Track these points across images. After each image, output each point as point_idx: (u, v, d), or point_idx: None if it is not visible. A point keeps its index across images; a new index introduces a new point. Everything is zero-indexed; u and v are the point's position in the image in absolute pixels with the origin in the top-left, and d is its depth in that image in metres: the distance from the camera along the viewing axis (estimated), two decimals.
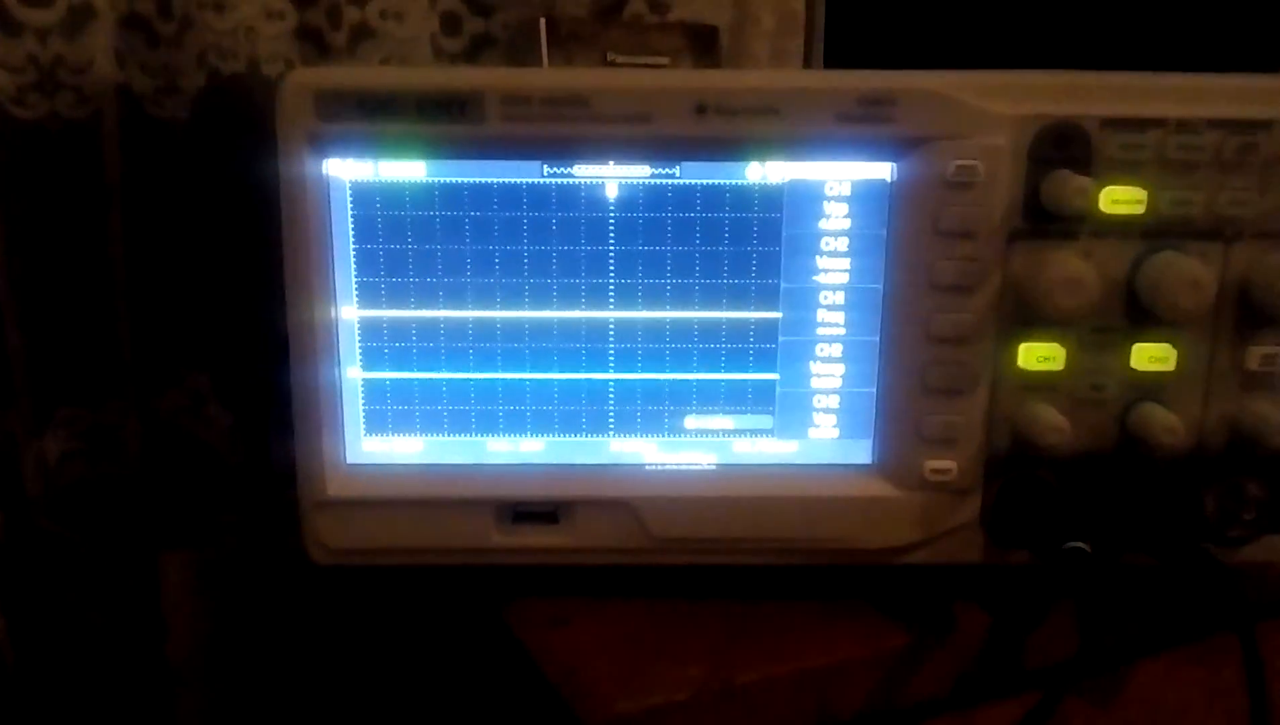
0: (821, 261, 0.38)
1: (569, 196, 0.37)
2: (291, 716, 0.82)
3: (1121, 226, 0.37)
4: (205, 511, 0.78)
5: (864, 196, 0.38)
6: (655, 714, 0.35)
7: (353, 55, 0.72)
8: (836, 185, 0.38)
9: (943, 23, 0.76)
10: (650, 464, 0.40)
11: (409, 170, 0.37)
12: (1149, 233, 0.37)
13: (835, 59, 0.77)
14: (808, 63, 0.76)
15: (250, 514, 0.77)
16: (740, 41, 0.80)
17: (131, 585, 0.77)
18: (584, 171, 0.37)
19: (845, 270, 0.39)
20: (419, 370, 0.39)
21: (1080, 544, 0.38)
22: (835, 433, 0.40)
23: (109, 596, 0.76)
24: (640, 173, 0.37)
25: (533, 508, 0.40)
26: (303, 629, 0.81)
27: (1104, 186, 0.36)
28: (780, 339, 0.39)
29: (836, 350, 0.39)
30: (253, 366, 0.75)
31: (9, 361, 0.70)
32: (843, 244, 0.38)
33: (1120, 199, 0.37)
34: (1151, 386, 0.38)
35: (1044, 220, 0.37)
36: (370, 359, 0.39)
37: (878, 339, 0.39)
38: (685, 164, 0.37)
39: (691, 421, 0.40)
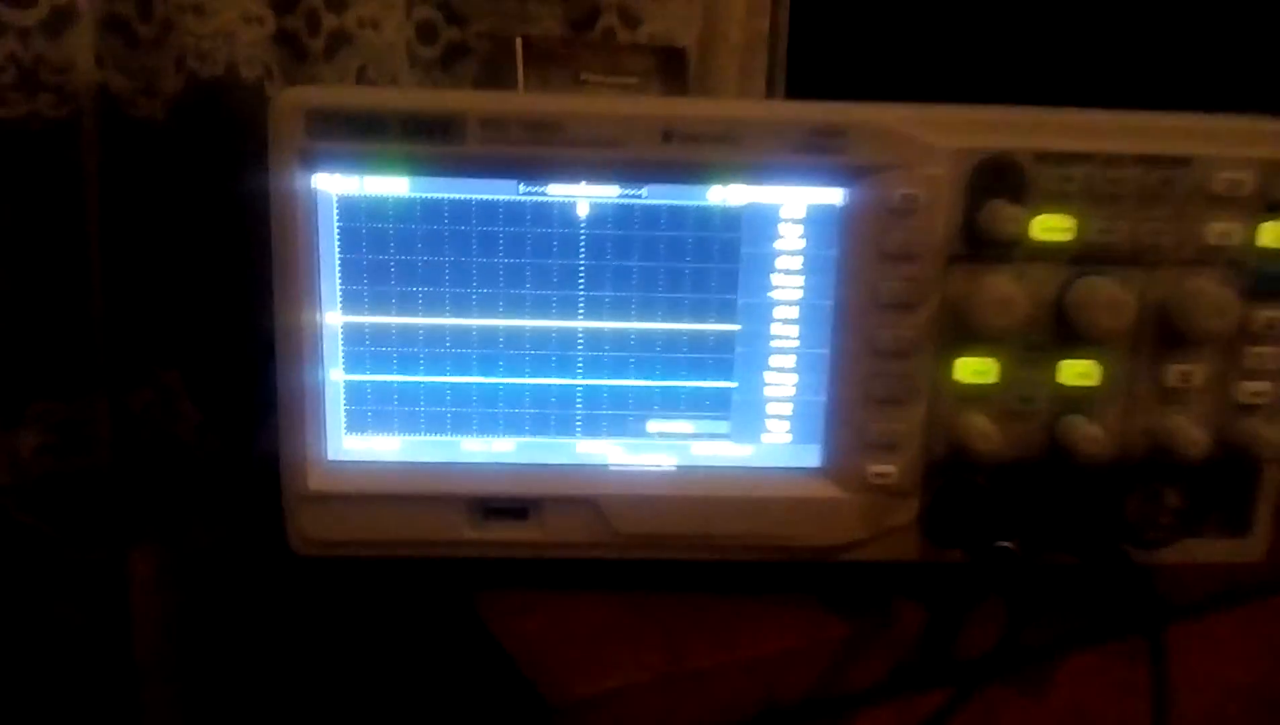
0: (776, 279, 0.41)
1: (543, 213, 0.40)
2: (260, 709, 0.83)
3: (1051, 252, 0.40)
4: (175, 507, 0.79)
5: (816, 220, 0.41)
6: (614, 696, 0.37)
7: (330, 62, 0.74)
8: (791, 209, 0.40)
9: (901, 46, 0.79)
10: (614, 465, 0.43)
11: (393, 186, 0.39)
12: (1076, 259, 0.40)
13: (798, 75, 0.80)
14: (771, 80, 0.78)
15: (225, 508, 0.79)
16: (709, 57, 0.83)
17: (100, 579, 0.78)
18: (557, 190, 0.40)
19: (799, 287, 0.41)
20: (398, 373, 0.41)
21: (1008, 544, 0.41)
22: (788, 438, 0.43)
23: (77, 589, 0.77)
24: (610, 192, 0.40)
25: (503, 504, 0.42)
26: (274, 620, 0.82)
27: (1036, 215, 0.39)
28: (737, 350, 0.42)
29: (789, 361, 0.42)
30: (225, 365, 0.77)
31: None
32: (796, 263, 0.41)
33: (1050, 227, 0.40)
34: (1077, 400, 0.41)
35: (980, 245, 0.40)
36: (352, 362, 0.41)
37: (828, 351, 0.42)
38: (652, 185, 0.40)
39: (653, 425, 0.43)
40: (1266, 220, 0.40)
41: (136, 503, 0.77)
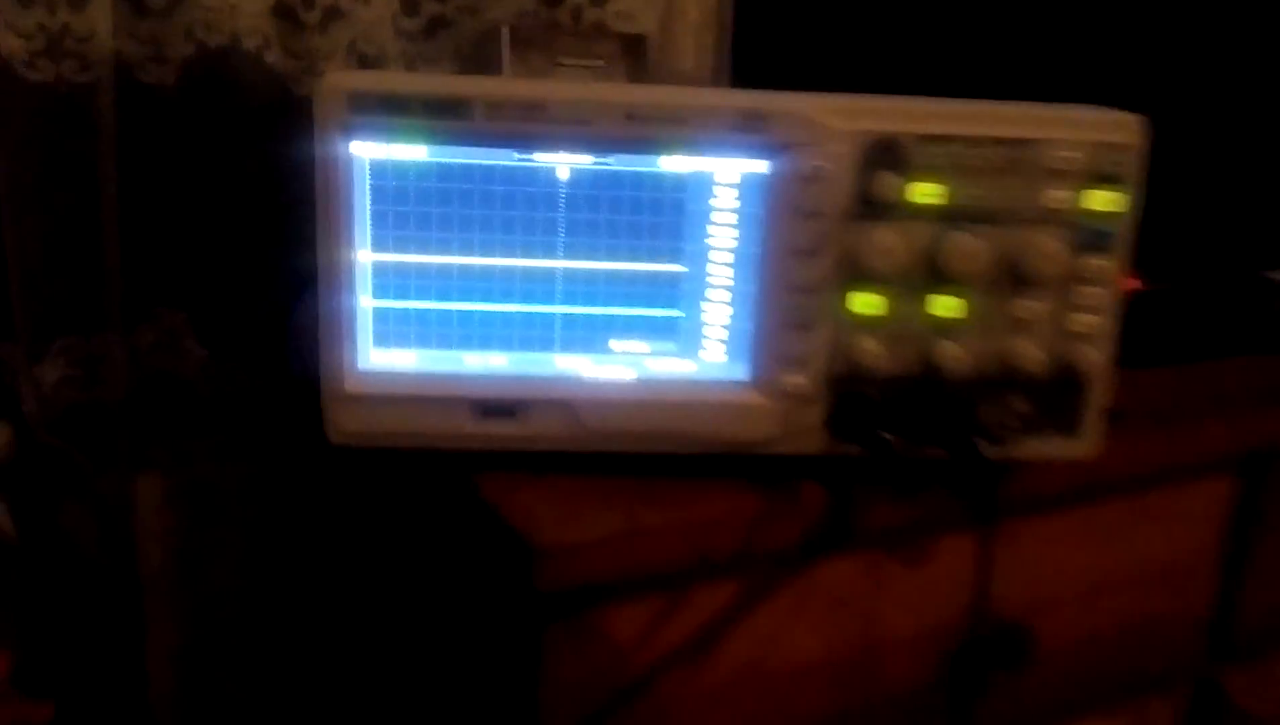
0: (713, 230, 0.52)
1: (532, 175, 0.50)
2: (256, 627, 0.93)
3: (926, 212, 0.51)
4: (180, 436, 0.88)
5: (746, 184, 0.51)
6: (584, 545, 0.49)
7: (324, 34, 0.82)
8: (726, 175, 0.51)
9: (838, 23, 0.90)
10: (585, 376, 0.53)
11: (414, 152, 0.49)
12: (945, 217, 0.51)
13: (743, 50, 0.90)
14: (719, 55, 0.89)
15: (225, 437, 0.87)
16: (669, 34, 0.93)
17: (111, 499, 0.87)
18: (542, 157, 0.50)
19: (732, 238, 0.52)
20: (415, 300, 0.52)
21: (890, 439, 0.53)
22: (722, 356, 0.54)
23: (92, 507, 0.87)
24: (584, 160, 0.50)
25: (496, 406, 0.52)
26: (281, 533, 0.92)
27: (913, 183, 0.51)
28: (682, 286, 0.53)
29: (724, 296, 0.53)
30: (227, 305, 0.85)
31: (12, 296, 0.79)
32: (730, 218, 0.52)
33: (925, 193, 0.50)
34: (945, 328, 0.52)
35: (871, 206, 0.50)
36: (379, 291, 0.51)
37: (754, 288, 0.52)
38: (616, 155, 0.50)
39: (616, 345, 0.53)
40: (1092, 189, 0.51)
41: (146, 432, 0.86)
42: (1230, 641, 0.77)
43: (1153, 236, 0.55)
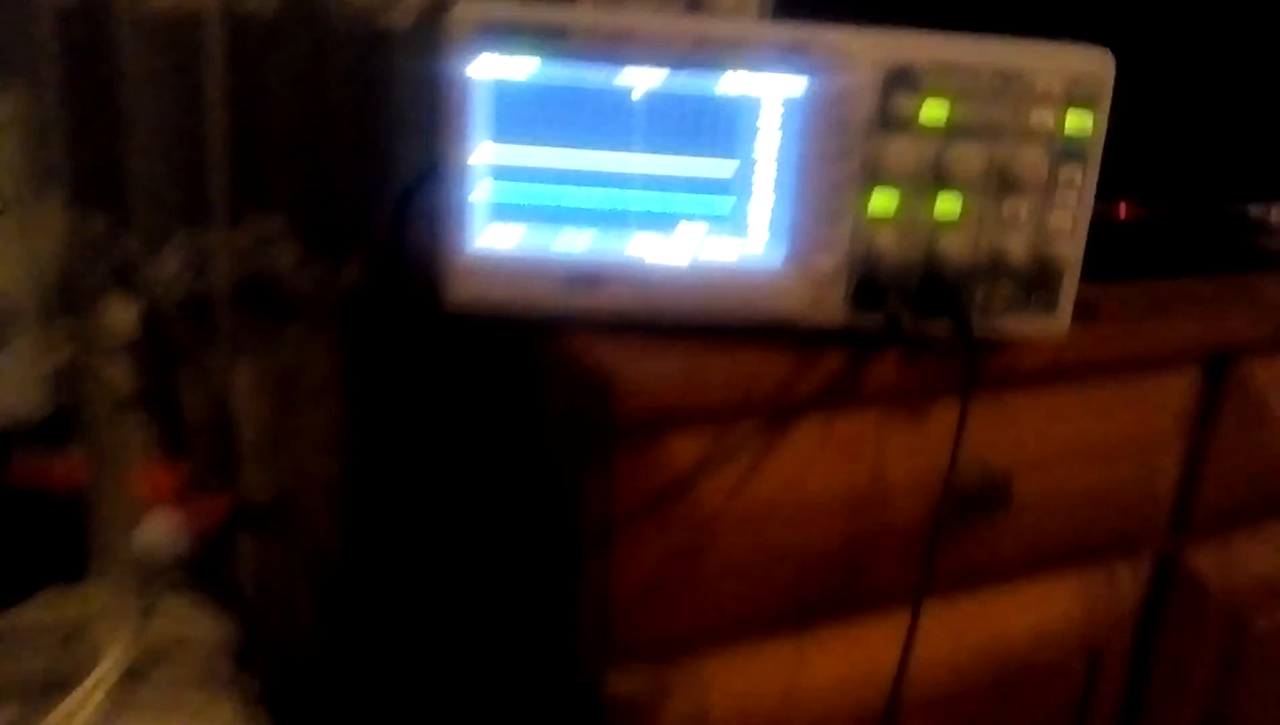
0: (761, 138, 0.64)
1: (617, 89, 0.63)
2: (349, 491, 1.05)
3: (933, 127, 0.63)
4: (274, 328, 1.01)
5: (789, 101, 0.63)
6: (649, 386, 0.61)
7: None
8: (773, 93, 0.63)
9: None
10: (654, 255, 0.66)
11: (524, 68, 0.62)
12: (948, 132, 0.63)
13: None
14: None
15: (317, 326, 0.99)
16: None
17: (210, 384, 1.00)
18: (627, 75, 0.63)
19: (776, 144, 0.64)
20: (519, 189, 0.64)
21: (898, 312, 0.65)
22: (765, 242, 0.66)
23: (197, 391, 1.00)
24: (660, 76, 0.63)
25: (582, 278, 0.66)
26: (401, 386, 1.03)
27: (924, 102, 0.63)
28: (734, 183, 0.65)
29: (768, 192, 0.65)
30: (323, 208, 0.97)
31: (135, 195, 0.92)
32: (775, 128, 0.63)
33: (934, 111, 0.63)
34: (946, 224, 0.65)
35: (888, 121, 0.62)
36: (490, 182, 0.64)
37: (793, 186, 0.65)
38: (686, 73, 0.62)
39: (680, 230, 0.66)
40: (1068, 111, 0.63)
41: (244, 322, 0.99)
42: (1189, 519, 0.90)
43: (1149, 166, 0.66)
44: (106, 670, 0.75)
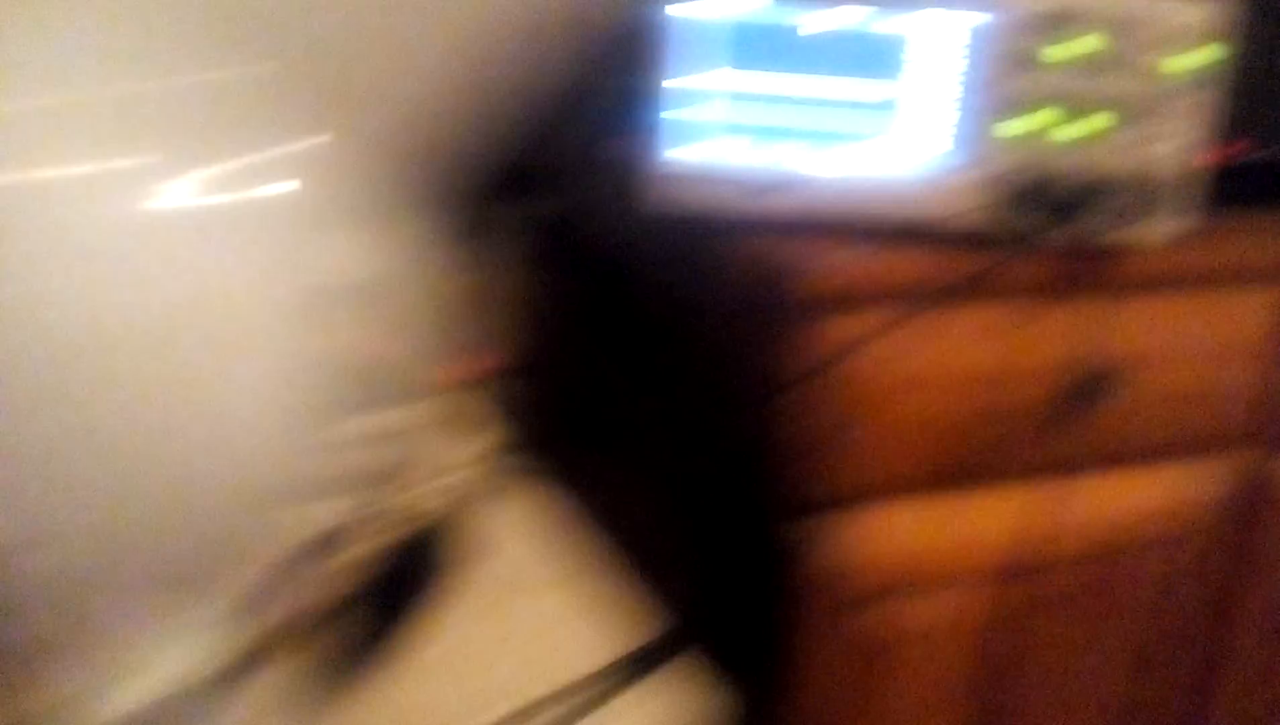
0: (932, 66, 0.75)
1: (808, 26, 0.75)
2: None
3: (1079, 61, 0.74)
4: None
5: (958, 33, 0.75)
6: (825, 273, 0.75)
7: None
8: (943, 27, 0.74)
9: None
10: (833, 166, 0.78)
11: (722, 10, 0.74)
12: (1092, 65, 0.74)
13: None
14: None
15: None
16: None
17: None
18: (815, 14, 0.75)
19: (945, 72, 0.76)
20: (712, 110, 0.77)
21: (1043, 218, 0.77)
22: (935, 156, 0.78)
23: None
24: (858, 16, 0.75)
25: (774, 185, 0.79)
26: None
27: (1073, 41, 0.74)
28: (908, 106, 0.77)
29: (937, 113, 0.77)
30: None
31: None
32: (944, 57, 0.75)
33: (1081, 47, 0.74)
34: (1086, 143, 0.76)
35: (1039, 55, 0.74)
36: (689, 107, 0.77)
37: (959, 109, 0.76)
38: (867, 11, 0.75)
39: (857, 145, 0.78)
40: (1194, 48, 0.74)
41: None
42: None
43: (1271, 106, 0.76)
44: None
